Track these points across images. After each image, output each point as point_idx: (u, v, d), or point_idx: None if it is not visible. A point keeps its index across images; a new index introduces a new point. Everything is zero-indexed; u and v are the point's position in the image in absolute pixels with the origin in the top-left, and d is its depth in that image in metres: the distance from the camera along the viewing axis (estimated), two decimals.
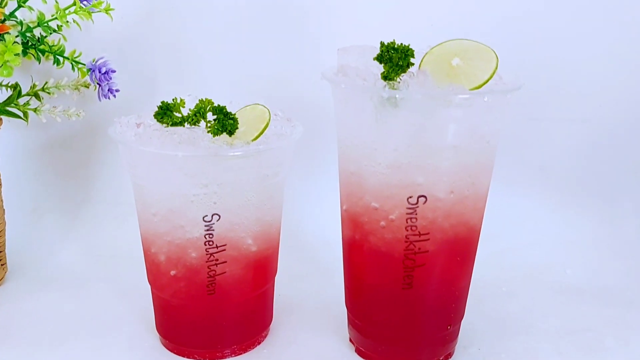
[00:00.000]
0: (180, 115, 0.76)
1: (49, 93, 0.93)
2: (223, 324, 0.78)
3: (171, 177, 0.70)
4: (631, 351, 0.83)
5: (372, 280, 0.76)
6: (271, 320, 0.85)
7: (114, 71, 0.91)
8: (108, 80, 0.90)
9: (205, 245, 0.73)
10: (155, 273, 0.78)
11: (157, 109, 0.75)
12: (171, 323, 0.80)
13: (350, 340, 0.83)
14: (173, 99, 0.76)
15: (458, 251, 0.74)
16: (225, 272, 0.75)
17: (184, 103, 0.76)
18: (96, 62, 0.90)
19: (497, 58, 0.70)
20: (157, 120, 0.75)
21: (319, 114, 0.96)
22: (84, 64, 0.92)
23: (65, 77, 0.94)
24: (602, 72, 1.06)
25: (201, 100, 0.75)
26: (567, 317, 0.91)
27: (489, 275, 1.01)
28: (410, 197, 0.69)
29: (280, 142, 0.73)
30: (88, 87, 0.95)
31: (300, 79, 1.04)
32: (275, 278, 0.84)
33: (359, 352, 0.81)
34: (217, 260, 0.74)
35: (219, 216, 0.72)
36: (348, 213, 0.76)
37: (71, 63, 0.91)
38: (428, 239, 0.71)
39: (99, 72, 0.89)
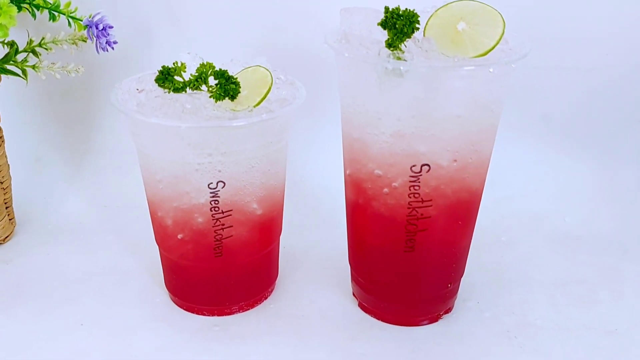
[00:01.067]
0: (181, 79, 0.75)
1: (46, 49, 0.92)
2: (230, 283, 0.80)
3: (175, 147, 0.71)
4: (624, 304, 0.86)
5: (374, 242, 0.77)
6: (277, 275, 0.88)
7: (111, 27, 0.89)
8: (106, 37, 0.88)
9: (211, 211, 0.74)
10: (162, 235, 0.79)
11: (157, 74, 0.74)
12: (179, 282, 0.82)
13: (354, 294, 0.86)
14: (174, 63, 0.75)
15: (460, 215, 0.75)
16: (232, 236, 0.77)
17: (185, 67, 0.75)
18: (93, 17, 0.88)
19: (504, 22, 0.69)
20: (159, 85, 0.74)
21: (322, 66, 0.95)
22: (81, 19, 0.89)
23: (62, 32, 0.92)
24: (608, 19, 1.03)
25: (202, 65, 0.75)
26: (563, 268, 0.93)
27: (489, 224, 1.03)
28: (414, 166, 0.70)
29: (284, 109, 0.73)
30: (86, 41, 0.93)
31: (303, 31, 1.02)
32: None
33: (361, 307, 0.83)
34: (223, 224, 0.76)
35: (224, 183, 0.73)
36: (351, 178, 0.77)
37: (67, 19, 0.89)
38: (430, 205, 0.72)
39: (97, 28, 0.87)
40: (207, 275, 0.80)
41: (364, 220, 0.77)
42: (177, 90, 0.74)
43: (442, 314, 0.82)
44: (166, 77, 0.74)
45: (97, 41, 0.90)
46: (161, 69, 0.74)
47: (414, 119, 0.67)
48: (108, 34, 0.88)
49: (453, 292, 0.82)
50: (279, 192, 0.80)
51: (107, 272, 0.91)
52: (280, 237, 0.87)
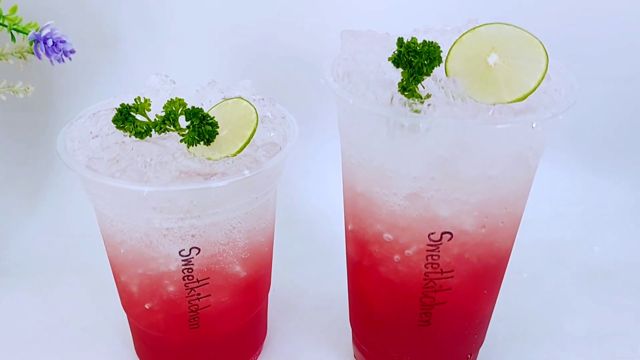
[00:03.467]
0: (145, 119, 0.61)
1: None
2: (211, 355, 0.68)
3: (137, 210, 0.57)
4: None
5: (383, 311, 0.65)
6: (265, 335, 0.75)
7: (63, 41, 0.74)
8: (57, 53, 0.73)
9: (184, 280, 0.61)
10: (127, 302, 0.67)
11: (116, 113, 0.60)
12: (152, 353, 0.69)
13: (355, 356, 0.73)
14: (135, 99, 0.60)
15: (486, 283, 0.62)
16: (209, 305, 0.64)
17: (149, 104, 0.61)
18: (40, 31, 0.72)
19: (547, 54, 0.55)
20: (117, 127, 0.60)
21: (318, 85, 0.81)
22: (26, 31, 0.74)
23: (7, 44, 0.77)
24: None
25: (171, 102, 0.60)
26: (596, 315, 0.81)
27: None
28: (432, 234, 0.56)
29: (272, 160, 0.59)
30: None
31: (296, 41, 0.87)
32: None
33: None
34: (199, 294, 0.62)
35: (199, 249, 0.60)
36: (354, 235, 0.63)
37: (10, 32, 0.74)
38: (452, 277, 0.59)
39: (44, 44, 0.72)
40: (182, 348, 0.67)
41: (369, 285, 0.64)
42: (139, 134, 0.60)
43: None
44: (126, 117, 0.60)
45: (50, 57, 0.75)
46: (120, 107, 0.60)
47: (434, 181, 0.54)
48: (60, 51, 0.73)
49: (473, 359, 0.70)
50: (267, 248, 0.67)
51: (71, 327, 0.78)
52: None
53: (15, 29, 0.74)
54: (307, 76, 0.84)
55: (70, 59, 0.79)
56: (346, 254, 0.68)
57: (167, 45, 0.92)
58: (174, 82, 0.70)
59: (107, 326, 0.78)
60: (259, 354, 0.74)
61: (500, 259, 0.62)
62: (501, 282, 0.66)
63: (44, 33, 0.72)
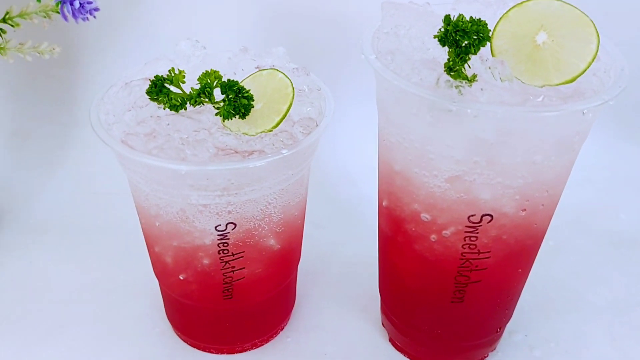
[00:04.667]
0: (180, 91, 0.59)
1: (12, 25, 0.75)
2: (241, 323, 0.69)
3: (174, 187, 0.56)
4: None
5: (414, 285, 0.65)
6: (294, 303, 0.76)
7: (90, 2, 0.71)
8: (84, 14, 0.71)
9: (219, 254, 0.61)
10: (161, 271, 0.67)
11: (149, 85, 0.58)
12: (184, 320, 0.70)
13: (383, 324, 0.74)
14: (169, 71, 0.59)
15: (521, 263, 0.62)
16: (244, 277, 0.64)
17: (184, 76, 0.59)
18: None
19: (598, 34, 0.53)
20: (151, 99, 0.59)
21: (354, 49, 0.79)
22: None
23: (32, 2, 0.75)
24: None
25: (206, 74, 0.59)
26: (620, 285, 0.82)
27: None
28: (472, 216, 0.56)
29: (310, 137, 0.58)
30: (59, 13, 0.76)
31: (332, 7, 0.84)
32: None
33: (393, 343, 0.72)
34: (233, 267, 0.63)
35: (235, 225, 0.60)
36: (389, 212, 0.63)
37: None
38: (489, 257, 0.59)
39: (71, 5, 0.70)
40: (215, 316, 0.68)
41: (402, 260, 0.64)
42: (174, 107, 0.59)
43: (487, 355, 0.71)
44: (160, 90, 0.58)
45: (76, 19, 0.73)
46: (154, 78, 0.58)
47: (477, 165, 0.53)
48: (87, 11, 0.71)
49: (501, 333, 0.71)
50: (300, 221, 0.67)
51: (100, 289, 0.79)
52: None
53: None
54: (343, 41, 0.82)
55: (95, 17, 0.77)
56: (378, 227, 0.67)
57: (191, 9, 0.89)
58: (205, 48, 0.68)
59: (136, 288, 0.78)
60: (289, 319, 0.75)
61: (537, 240, 0.61)
62: (534, 259, 0.66)
63: None
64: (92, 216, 0.90)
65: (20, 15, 0.75)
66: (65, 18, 0.72)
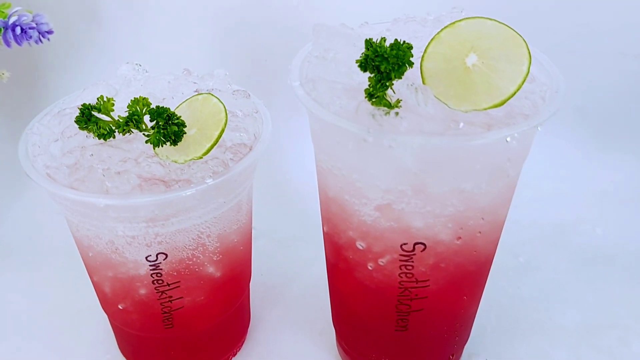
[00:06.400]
0: (109, 119, 0.58)
1: None
2: (189, 350, 0.67)
3: (99, 219, 0.55)
4: None
5: (360, 313, 0.63)
6: (248, 325, 0.74)
7: (32, 27, 0.70)
8: (28, 39, 0.70)
9: (153, 284, 0.60)
10: (102, 300, 0.66)
11: (78, 113, 0.57)
12: (131, 348, 0.69)
13: (338, 350, 0.72)
14: (98, 98, 0.58)
15: (466, 289, 0.60)
16: (183, 307, 0.63)
17: (112, 103, 0.58)
18: (8, 18, 0.69)
19: (530, 56, 0.50)
20: (80, 128, 0.58)
21: None
22: None
23: None
24: None
25: (134, 101, 0.57)
26: (590, 305, 0.78)
27: (504, 238, 0.87)
28: (405, 244, 0.54)
29: (239, 165, 0.56)
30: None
31: (275, 27, 0.82)
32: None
33: None
34: (170, 297, 0.61)
35: (166, 255, 0.58)
36: (330, 238, 0.61)
37: None
38: (428, 286, 0.57)
39: (13, 32, 0.69)
40: (160, 345, 0.67)
41: (345, 287, 0.63)
42: (102, 136, 0.57)
43: None
44: (88, 119, 0.57)
45: (20, 44, 0.73)
46: (81, 106, 0.57)
47: (404, 194, 0.50)
48: (30, 37, 0.70)
49: (456, 359, 0.69)
50: (243, 247, 0.65)
51: (56, 313, 0.78)
52: (259, 255, 0.73)
53: None
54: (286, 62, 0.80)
55: (48, 39, 0.76)
56: (325, 253, 0.65)
57: (149, 26, 0.88)
58: (147, 72, 0.67)
59: (92, 313, 0.77)
60: (242, 344, 0.73)
61: (481, 265, 0.59)
62: (484, 285, 0.63)
63: (11, 21, 0.69)
64: (53, 238, 0.89)
65: None
66: (7, 44, 0.71)
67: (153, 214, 0.54)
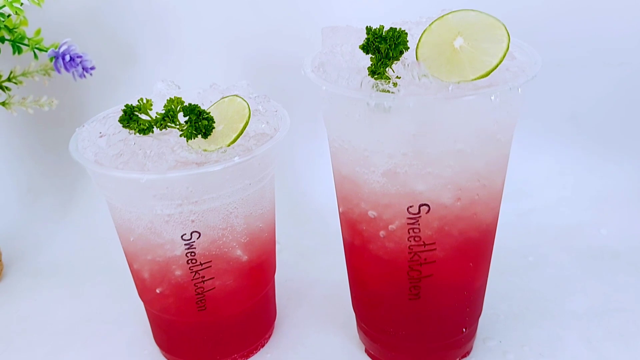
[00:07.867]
0: (148, 117, 0.67)
1: (16, 83, 0.85)
2: (219, 336, 0.73)
3: (140, 198, 0.63)
4: None
5: (375, 287, 0.68)
6: (274, 318, 0.80)
7: (80, 56, 0.81)
8: (75, 67, 0.81)
9: (188, 263, 0.67)
10: (141, 288, 0.72)
11: (121, 113, 0.66)
12: (165, 336, 0.75)
13: (360, 337, 0.77)
14: (139, 100, 0.67)
15: (471, 256, 0.65)
16: (214, 288, 0.69)
17: (151, 104, 0.67)
18: (59, 48, 0.80)
19: (509, 35, 0.58)
20: (123, 126, 0.66)
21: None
22: (47, 49, 0.82)
23: (32, 63, 0.85)
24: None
25: (170, 100, 0.66)
26: (598, 293, 0.83)
27: (513, 241, 0.93)
28: (411, 207, 0.60)
29: (262, 147, 0.64)
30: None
31: (295, 46, 0.92)
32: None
33: (369, 354, 0.75)
34: (203, 277, 0.68)
35: (199, 233, 0.65)
36: (345, 217, 0.68)
37: (32, 50, 0.82)
38: (434, 249, 0.62)
39: (63, 60, 0.79)
40: (192, 329, 0.72)
41: (362, 264, 0.68)
42: (142, 131, 0.66)
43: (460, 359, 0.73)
44: (130, 117, 0.66)
45: (71, 72, 0.83)
46: (124, 107, 0.66)
47: (406, 157, 0.58)
48: (77, 65, 0.81)
49: (470, 335, 0.73)
50: (267, 234, 0.72)
51: (95, 320, 0.84)
52: (283, 265, 0.78)
53: (38, 48, 0.81)
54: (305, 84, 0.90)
55: (91, 74, 0.86)
56: (342, 237, 0.72)
57: (179, 59, 0.99)
58: (179, 87, 0.76)
59: (127, 317, 0.84)
60: (269, 337, 0.79)
61: (483, 233, 0.65)
62: (489, 257, 0.69)
63: (62, 50, 0.79)
64: (93, 259, 0.97)
65: (23, 74, 0.85)
66: (58, 71, 0.81)
67: (187, 190, 0.62)
